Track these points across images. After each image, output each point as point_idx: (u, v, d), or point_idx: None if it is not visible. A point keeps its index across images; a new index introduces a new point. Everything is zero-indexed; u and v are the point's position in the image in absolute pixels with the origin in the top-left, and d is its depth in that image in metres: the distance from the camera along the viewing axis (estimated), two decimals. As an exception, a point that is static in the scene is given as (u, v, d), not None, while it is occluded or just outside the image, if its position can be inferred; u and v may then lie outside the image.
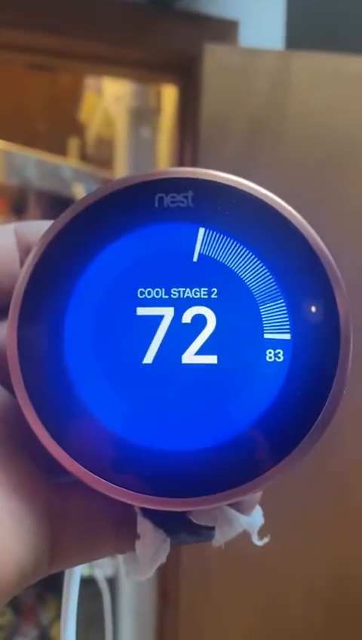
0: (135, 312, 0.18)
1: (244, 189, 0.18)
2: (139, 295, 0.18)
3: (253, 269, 0.18)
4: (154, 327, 0.17)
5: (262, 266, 0.18)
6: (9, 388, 0.18)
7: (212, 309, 0.17)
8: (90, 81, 1.48)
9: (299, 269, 0.17)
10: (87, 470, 0.17)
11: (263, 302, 0.17)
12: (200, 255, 0.18)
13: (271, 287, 0.17)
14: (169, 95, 1.08)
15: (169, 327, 0.17)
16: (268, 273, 0.17)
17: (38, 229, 0.19)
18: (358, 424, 0.80)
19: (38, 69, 1.54)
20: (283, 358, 0.17)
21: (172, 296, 0.18)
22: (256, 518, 0.19)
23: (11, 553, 0.16)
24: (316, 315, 0.17)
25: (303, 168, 0.84)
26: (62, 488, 0.18)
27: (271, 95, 0.84)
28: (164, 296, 0.18)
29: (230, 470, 0.17)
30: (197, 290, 0.18)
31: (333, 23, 0.99)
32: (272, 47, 0.94)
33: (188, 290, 0.18)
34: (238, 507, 0.19)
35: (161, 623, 1.02)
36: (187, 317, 0.17)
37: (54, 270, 0.18)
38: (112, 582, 1.15)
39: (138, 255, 0.18)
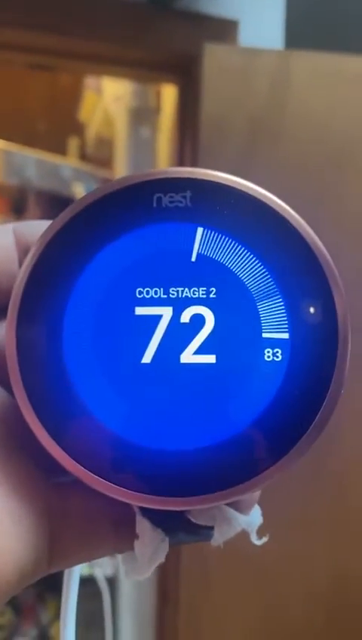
0: (134, 311, 0.18)
1: (242, 188, 0.18)
2: (137, 295, 0.18)
3: (252, 268, 0.18)
4: (152, 326, 0.17)
5: (260, 266, 0.18)
6: (8, 388, 0.18)
7: (210, 309, 0.17)
8: (89, 81, 1.48)
9: (297, 269, 0.17)
10: (86, 470, 0.17)
11: (261, 301, 0.17)
12: (198, 255, 0.18)
13: (269, 286, 0.17)
14: (169, 95, 1.08)
15: (167, 326, 0.17)
16: (266, 273, 0.18)
17: (36, 228, 0.19)
18: (357, 424, 0.81)
19: (38, 68, 1.54)
20: (282, 358, 0.17)
21: (170, 295, 0.18)
22: (254, 517, 0.19)
23: (11, 553, 0.16)
24: (314, 314, 0.17)
25: (303, 168, 0.83)
26: (62, 488, 0.18)
27: (271, 95, 0.83)
28: (162, 296, 0.18)
29: (228, 469, 0.17)
30: (196, 289, 0.18)
31: (333, 22, 0.99)
32: (272, 47, 0.93)
33: (186, 289, 0.18)
34: (237, 506, 0.19)
35: (161, 623, 1.02)
36: (185, 317, 0.17)
37: (53, 270, 0.18)
38: (112, 581, 1.15)
39: (136, 255, 0.18)
